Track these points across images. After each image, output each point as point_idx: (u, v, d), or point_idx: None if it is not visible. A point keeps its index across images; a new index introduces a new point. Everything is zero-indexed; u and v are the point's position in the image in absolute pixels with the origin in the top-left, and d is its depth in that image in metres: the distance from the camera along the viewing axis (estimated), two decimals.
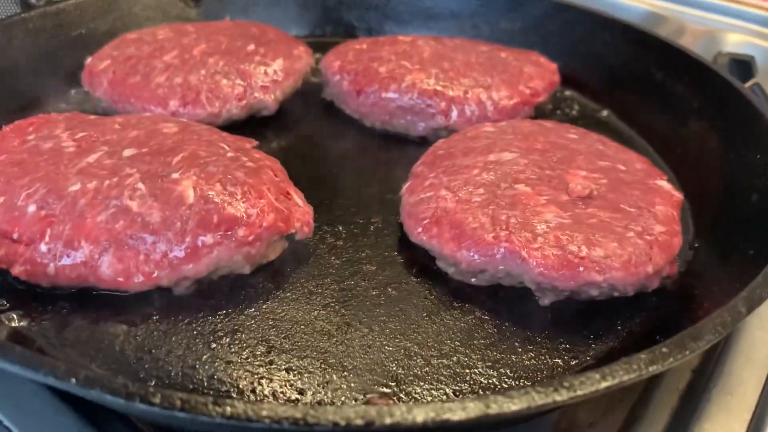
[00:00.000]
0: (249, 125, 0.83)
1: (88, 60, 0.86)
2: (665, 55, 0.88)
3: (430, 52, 0.88)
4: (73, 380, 0.38)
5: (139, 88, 0.80)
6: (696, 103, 0.81)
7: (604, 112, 0.93)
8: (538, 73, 0.87)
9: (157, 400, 0.37)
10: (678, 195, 0.66)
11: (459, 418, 0.38)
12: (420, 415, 0.37)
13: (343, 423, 0.36)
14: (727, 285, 0.56)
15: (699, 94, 0.81)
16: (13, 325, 0.55)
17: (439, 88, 0.82)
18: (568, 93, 0.97)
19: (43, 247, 0.57)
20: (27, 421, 0.48)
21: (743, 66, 1.16)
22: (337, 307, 0.59)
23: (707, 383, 0.56)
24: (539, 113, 0.89)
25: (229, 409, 0.36)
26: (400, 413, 0.37)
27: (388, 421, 0.37)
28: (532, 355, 0.56)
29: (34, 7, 0.93)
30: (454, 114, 0.81)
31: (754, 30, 1.29)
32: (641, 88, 0.90)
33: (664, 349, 0.43)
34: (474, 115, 0.81)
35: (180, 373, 0.52)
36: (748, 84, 1.11)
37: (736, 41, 1.26)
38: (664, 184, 0.67)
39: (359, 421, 0.36)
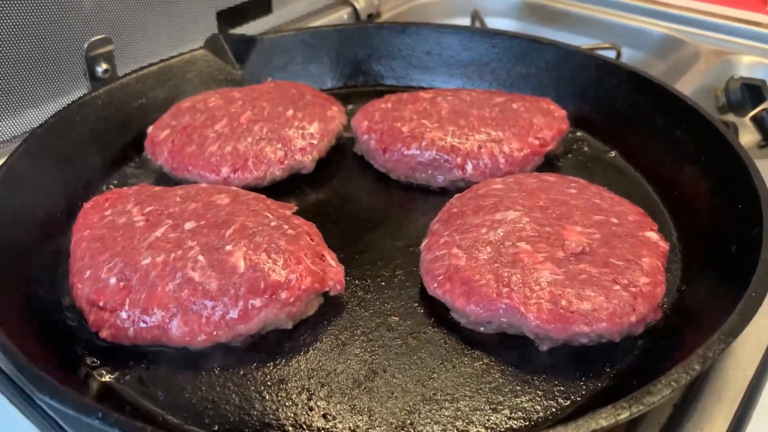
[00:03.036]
0: (290, 181, 0.95)
1: (150, 129, 0.99)
2: (665, 100, 0.95)
3: (448, 109, 0.98)
4: None
5: (195, 157, 0.92)
6: (690, 148, 0.89)
7: (612, 153, 1.01)
8: (547, 123, 0.96)
9: None
10: (664, 245, 0.75)
11: None
12: None
13: None
14: (713, 321, 0.63)
15: (693, 140, 0.89)
16: (102, 380, 0.68)
17: (455, 144, 0.92)
18: (579, 134, 1.05)
19: (123, 314, 0.70)
20: None
21: (754, 90, 1.22)
22: (365, 356, 0.70)
23: (682, 419, 0.65)
24: (551, 156, 0.98)
25: None
26: None
27: None
28: (530, 397, 0.66)
29: (101, 81, 1.07)
30: (469, 167, 0.91)
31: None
32: (646, 131, 0.98)
33: (624, 404, 0.52)
34: (487, 168, 0.91)
35: (237, 419, 0.64)
36: (759, 108, 1.17)
37: (750, 63, 1.31)
38: (653, 235, 0.76)
39: None
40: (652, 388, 0.53)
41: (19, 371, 0.56)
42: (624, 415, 0.51)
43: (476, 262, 0.72)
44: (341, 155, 1.02)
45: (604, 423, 0.51)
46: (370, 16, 1.51)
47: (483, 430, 0.62)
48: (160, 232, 0.76)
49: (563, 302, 0.67)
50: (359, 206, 0.93)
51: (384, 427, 0.63)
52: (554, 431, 0.50)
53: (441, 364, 0.69)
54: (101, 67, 1.09)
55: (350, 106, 1.10)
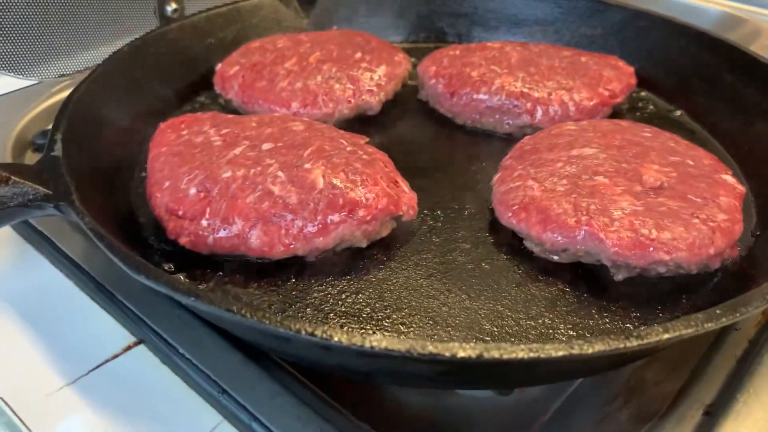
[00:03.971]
0: (356, 123, 0.96)
1: (219, 66, 1.01)
2: (735, 59, 0.95)
3: (517, 58, 0.98)
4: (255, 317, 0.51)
5: (266, 92, 0.93)
6: (764, 105, 0.88)
7: (678, 112, 1.01)
8: (616, 76, 0.96)
9: (318, 332, 0.49)
10: (741, 188, 0.74)
11: (549, 356, 0.48)
12: (520, 352, 0.48)
13: (461, 353, 0.47)
14: None
15: (766, 97, 0.89)
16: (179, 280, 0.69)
17: (525, 90, 0.92)
18: (643, 94, 1.05)
19: (204, 222, 0.71)
20: (205, 357, 0.62)
21: None
22: (439, 276, 0.70)
23: (761, 350, 0.64)
24: (616, 112, 0.98)
25: (375, 341, 0.48)
26: (504, 349, 0.48)
27: (495, 354, 0.48)
28: (608, 320, 0.66)
29: (171, 21, 1.09)
30: (539, 113, 0.91)
31: None
32: (712, 90, 0.97)
33: (718, 311, 0.52)
34: (557, 115, 0.91)
35: (317, 322, 0.65)
36: None
37: None
38: (729, 178, 0.75)
39: (472, 353, 0.48)
40: (745, 299, 0.53)
41: (122, 260, 0.57)
42: (720, 321, 0.51)
43: (553, 193, 0.72)
44: (405, 101, 1.03)
45: (701, 327, 0.51)
46: None
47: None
48: (239, 150, 0.77)
49: (643, 230, 0.67)
50: (425, 147, 0.94)
51: (462, 338, 0.63)
52: (650, 329, 0.50)
53: (516, 287, 0.69)
54: (171, 6, 1.10)
55: (413, 59, 1.10)
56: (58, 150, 0.70)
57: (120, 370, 0.63)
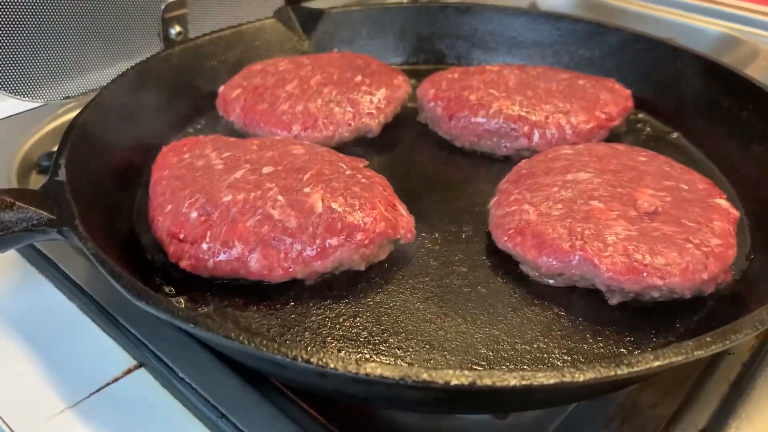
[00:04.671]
0: (356, 145, 0.97)
1: (221, 88, 1.02)
2: (731, 83, 0.96)
3: (515, 81, 0.99)
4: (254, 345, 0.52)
5: (267, 115, 0.95)
6: (759, 128, 0.89)
7: (675, 134, 1.02)
8: (613, 100, 0.97)
9: (314, 359, 0.50)
10: (735, 212, 0.75)
11: (540, 383, 0.49)
12: (512, 380, 0.49)
13: (454, 381, 0.48)
14: None
15: (762, 120, 0.90)
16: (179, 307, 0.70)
17: (522, 113, 0.93)
18: (641, 115, 1.06)
19: (204, 246, 0.72)
20: (204, 381, 0.63)
21: None
22: (436, 300, 0.71)
23: (754, 374, 0.65)
24: (614, 134, 0.99)
25: (369, 368, 0.49)
26: (496, 377, 0.49)
27: (488, 382, 0.49)
28: (602, 345, 0.66)
29: (175, 43, 1.11)
30: (536, 136, 0.93)
31: None
32: (709, 113, 0.99)
33: (708, 338, 0.53)
34: (554, 138, 0.92)
35: (314, 348, 0.65)
36: None
37: None
38: (723, 202, 0.76)
39: (465, 381, 0.48)
40: (736, 326, 0.54)
41: (123, 286, 0.58)
42: (710, 349, 0.52)
43: (548, 218, 0.73)
44: (405, 123, 1.04)
45: (690, 355, 0.52)
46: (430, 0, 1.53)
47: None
48: (240, 174, 0.79)
49: (637, 256, 0.68)
50: (424, 169, 0.95)
51: (457, 363, 0.64)
52: (641, 356, 0.51)
53: (511, 311, 0.70)
54: (174, 30, 1.13)
55: (412, 81, 1.12)
56: (62, 175, 0.71)
57: (121, 394, 0.64)
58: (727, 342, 0.53)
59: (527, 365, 0.64)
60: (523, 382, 0.49)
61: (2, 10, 0.93)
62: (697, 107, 1.01)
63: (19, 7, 0.95)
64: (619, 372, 0.50)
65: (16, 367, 0.67)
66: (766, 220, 0.81)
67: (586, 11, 1.59)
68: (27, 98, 1.02)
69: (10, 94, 0.99)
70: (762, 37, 1.39)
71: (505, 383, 0.49)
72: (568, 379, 0.50)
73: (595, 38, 1.13)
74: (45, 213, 0.66)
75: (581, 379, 0.50)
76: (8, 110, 1.06)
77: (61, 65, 1.05)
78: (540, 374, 0.50)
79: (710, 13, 1.47)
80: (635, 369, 0.51)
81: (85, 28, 1.04)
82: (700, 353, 0.52)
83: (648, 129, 1.04)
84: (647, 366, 0.51)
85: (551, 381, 0.49)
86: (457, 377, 0.49)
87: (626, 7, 1.54)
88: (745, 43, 1.38)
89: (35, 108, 1.06)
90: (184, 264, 0.72)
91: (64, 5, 1.00)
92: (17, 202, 0.66)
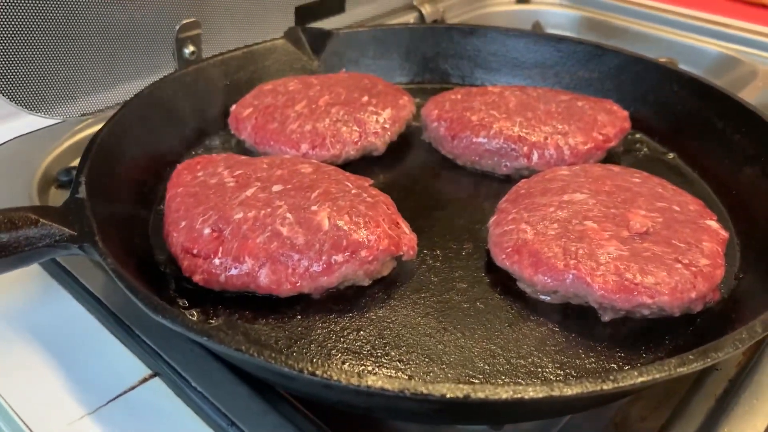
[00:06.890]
0: (362, 163, 1.01)
1: (233, 107, 1.06)
2: (725, 105, 0.99)
3: (516, 102, 1.03)
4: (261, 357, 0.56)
5: (277, 133, 0.99)
6: (751, 150, 0.93)
7: (671, 155, 1.05)
8: (611, 121, 1.01)
9: (319, 372, 0.54)
10: (724, 233, 0.78)
11: (530, 397, 0.53)
12: (504, 393, 0.53)
13: (449, 395, 0.52)
14: (763, 310, 0.68)
15: (753, 142, 0.93)
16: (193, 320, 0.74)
17: (522, 134, 0.97)
18: (638, 136, 1.10)
19: (216, 261, 0.75)
20: (215, 390, 0.67)
21: None
22: (436, 315, 0.75)
23: (738, 390, 0.68)
24: (611, 154, 1.02)
25: (370, 381, 0.53)
26: (489, 390, 0.52)
27: (481, 395, 0.52)
28: (593, 359, 0.70)
29: (189, 63, 1.15)
30: (535, 157, 0.96)
31: None
32: (704, 135, 1.02)
33: (691, 356, 0.56)
34: (552, 158, 0.96)
35: (319, 361, 0.69)
36: None
37: None
38: (713, 223, 0.80)
39: (459, 394, 0.52)
40: (717, 345, 0.57)
41: (140, 300, 0.62)
42: (692, 366, 0.55)
43: (544, 237, 0.77)
44: (409, 142, 1.08)
45: (673, 371, 0.55)
46: (434, 21, 1.57)
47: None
48: (251, 192, 0.83)
49: (628, 275, 0.71)
50: (426, 187, 0.99)
51: (455, 376, 0.67)
52: (626, 373, 0.54)
53: (508, 326, 0.73)
54: (188, 49, 1.17)
55: (417, 100, 1.16)
56: (82, 192, 0.75)
57: (136, 402, 0.67)
58: (708, 360, 0.56)
59: (522, 379, 0.67)
60: (515, 396, 0.53)
61: (21, 29, 0.97)
62: (692, 129, 1.04)
63: (38, 26, 0.99)
64: (605, 387, 0.54)
65: (38, 375, 0.70)
66: (755, 241, 0.84)
67: (588, 29, 1.63)
68: (45, 115, 1.06)
69: (29, 112, 1.03)
70: (761, 58, 1.43)
71: (497, 397, 0.52)
72: (557, 393, 0.53)
73: (594, 60, 1.17)
74: (67, 229, 0.70)
75: (569, 393, 0.53)
76: (28, 127, 1.10)
77: (79, 83, 1.09)
78: (530, 388, 0.53)
79: (710, 33, 1.50)
80: (620, 384, 0.54)
81: (103, 48, 1.08)
82: (682, 370, 0.55)
83: (645, 149, 1.07)
84: (632, 382, 0.54)
85: (541, 395, 0.53)
86: (452, 390, 0.52)
87: (628, 27, 1.58)
88: (744, 64, 1.41)
89: (54, 125, 1.10)
90: (197, 278, 0.76)
91: (81, 26, 1.04)
92: (41, 219, 0.69)
